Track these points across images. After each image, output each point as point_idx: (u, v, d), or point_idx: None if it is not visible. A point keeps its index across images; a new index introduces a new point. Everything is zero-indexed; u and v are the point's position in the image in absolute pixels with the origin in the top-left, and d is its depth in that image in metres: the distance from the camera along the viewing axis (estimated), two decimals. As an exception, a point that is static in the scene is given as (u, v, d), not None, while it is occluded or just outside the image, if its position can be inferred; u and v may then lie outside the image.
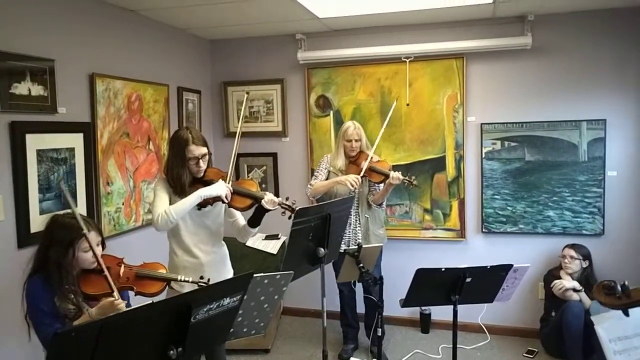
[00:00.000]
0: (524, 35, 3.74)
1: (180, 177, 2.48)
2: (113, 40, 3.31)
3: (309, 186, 3.57)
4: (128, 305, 2.05)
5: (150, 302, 1.42)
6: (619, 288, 1.68)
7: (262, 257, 3.95)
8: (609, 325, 1.53)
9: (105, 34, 3.23)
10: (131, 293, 2.17)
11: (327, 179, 3.54)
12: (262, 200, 2.49)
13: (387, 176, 3.32)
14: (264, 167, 4.51)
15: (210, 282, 2.19)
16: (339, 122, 4.10)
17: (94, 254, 1.94)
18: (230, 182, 2.54)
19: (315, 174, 3.64)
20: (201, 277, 2.22)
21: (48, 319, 1.87)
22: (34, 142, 2.66)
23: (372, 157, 3.44)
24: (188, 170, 2.49)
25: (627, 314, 1.67)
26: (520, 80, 3.89)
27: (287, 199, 2.53)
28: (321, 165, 3.64)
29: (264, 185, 4.47)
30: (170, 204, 2.50)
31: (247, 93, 2.93)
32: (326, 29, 4.13)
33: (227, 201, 2.47)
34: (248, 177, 4.50)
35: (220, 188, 2.44)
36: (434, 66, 4.01)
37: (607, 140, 3.72)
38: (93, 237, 2.01)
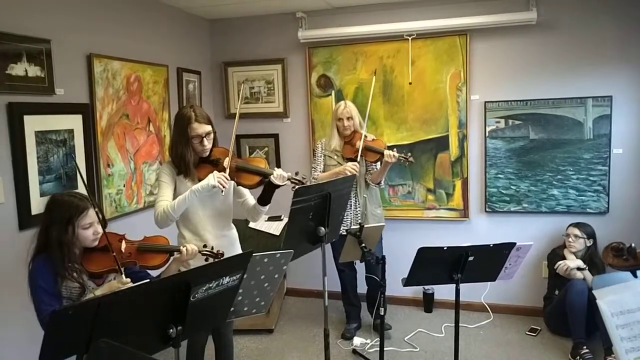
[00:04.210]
0: (528, 10, 3.66)
1: (184, 156, 2.45)
2: (111, 20, 3.26)
3: (312, 179, 3.57)
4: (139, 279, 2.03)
5: (148, 280, 1.42)
6: (626, 249, 1.65)
7: (265, 238, 3.95)
8: (611, 300, 1.52)
9: (103, 14, 3.19)
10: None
11: (324, 164, 3.56)
12: (271, 176, 2.46)
13: (382, 154, 3.31)
14: (266, 149, 4.49)
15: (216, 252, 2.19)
16: (340, 102, 4.04)
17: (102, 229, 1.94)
18: (235, 162, 2.51)
19: (312, 165, 3.65)
20: (204, 246, 2.22)
21: (47, 297, 1.87)
22: (33, 124, 2.64)
23: (366, 136, 3.42)
24: (192, 149, 2.47)
25: (635, 275, 1.65)
26: (525, 57, 3.81)
27: (296, 173, 2.51)
28: (316, 154, 3.63)
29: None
30: (176, 187, 2.48)
31: (244, 82, 2.91)
32: (327, 7, 4.06)
33: (223, 189, 2.37)
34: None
35: (211, 179, 2.37)
36: (437, 44, 3.95)
37: (613, 117, 3.66)
38: (92, 214, 2.01)
